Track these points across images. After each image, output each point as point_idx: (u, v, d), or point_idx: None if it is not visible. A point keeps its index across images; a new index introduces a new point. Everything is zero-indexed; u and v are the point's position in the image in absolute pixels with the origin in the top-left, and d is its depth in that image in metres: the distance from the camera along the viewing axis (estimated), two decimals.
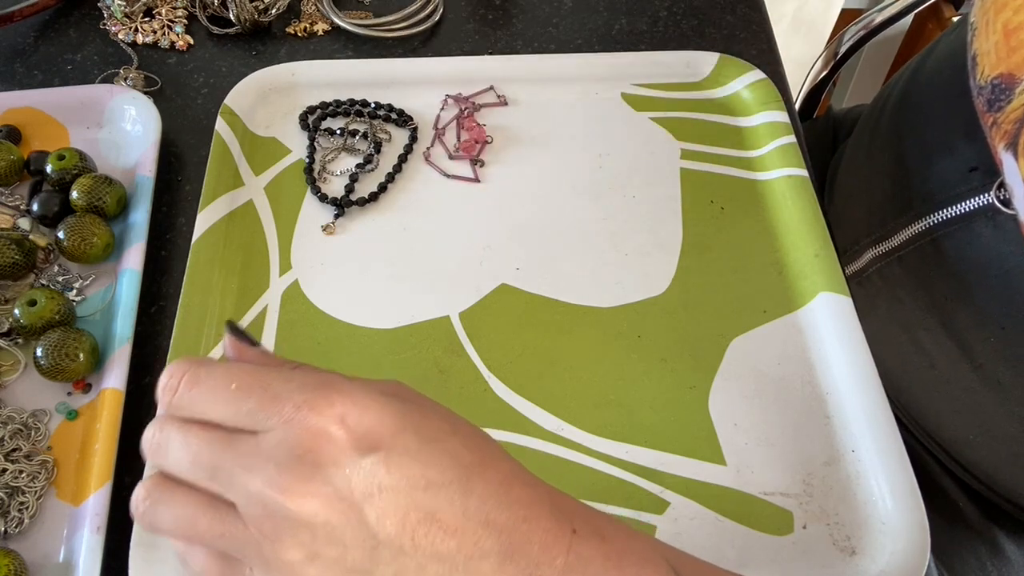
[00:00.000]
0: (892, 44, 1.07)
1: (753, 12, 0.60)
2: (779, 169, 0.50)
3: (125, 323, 0.43)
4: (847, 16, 1.18)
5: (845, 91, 1.19)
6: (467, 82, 0.54)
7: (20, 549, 0.37)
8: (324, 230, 0.48)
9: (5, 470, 0.39)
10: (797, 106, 0.80)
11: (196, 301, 0.44)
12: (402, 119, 0.52)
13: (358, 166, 0.50)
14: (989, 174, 0.40)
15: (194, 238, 0.45)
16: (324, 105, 0.53)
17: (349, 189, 0.49)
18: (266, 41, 0.58)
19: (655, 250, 0.47)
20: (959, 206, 0.42)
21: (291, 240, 0.47)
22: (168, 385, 0.26)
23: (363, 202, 0.49)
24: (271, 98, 0.53)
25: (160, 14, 0.59)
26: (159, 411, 0.27)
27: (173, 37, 0.58)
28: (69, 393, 0.42)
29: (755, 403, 0.42)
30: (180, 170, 0.52)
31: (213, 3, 0.58)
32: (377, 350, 0.43)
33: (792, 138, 0.50)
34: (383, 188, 0.49)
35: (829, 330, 0.43)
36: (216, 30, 0.58)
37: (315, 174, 0.50)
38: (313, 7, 0.59)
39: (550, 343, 0.44)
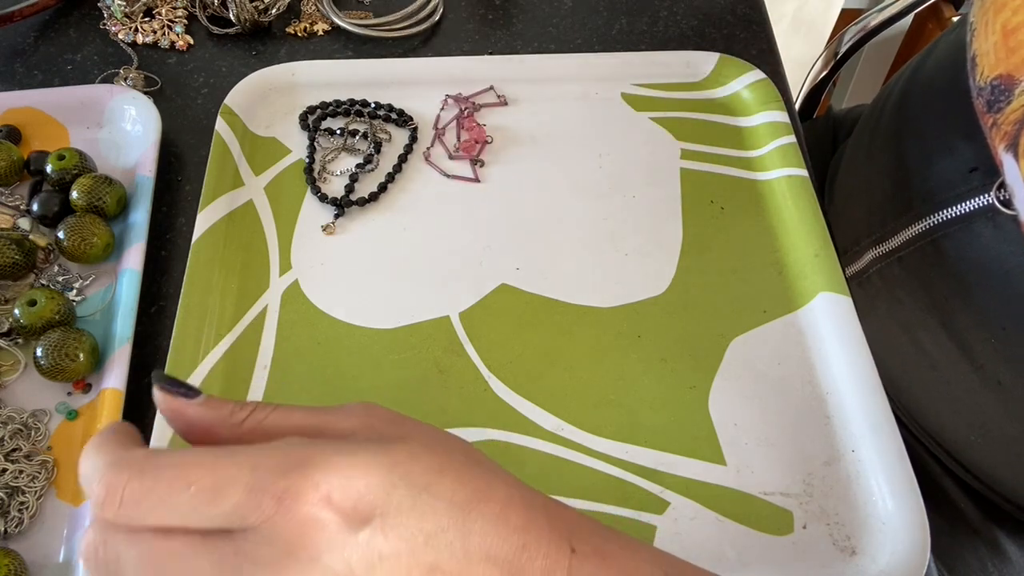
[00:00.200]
0: (892, 44, 1.07)
1: (753, 12, 0.60)
2: (779, 169, 0.50)
3: (125, 323, 0.43)
4: (847, 16, 1.18)
5: (845, 91, 1.19)
6: (467, 82, 0.54)
7: (20, 549, 0.37)
8: (324, 230, 0.48)
9: (5, 470, 0.39)
10: (797, 106, 0.80)
11: (196, 301, 0.44)
12: (402, 119, 0.52)
13: (358, 166, 0.50)
14: (989, 174, 0.40)
15: (194, 238, 0.45)
16: (324, 105, 0.53)
17: (349, 189, 0.49)
18: (266, 41, 0.58)
19: (655, 250, 0.47)
20: (959, 206, 0.42)
21: (291, 240, 0.47)
22: (108, 501, 0.22)
23: (363, 202, 0.49)
24: (271, 98, 0.53)
25: (160, 14, 0.59)
26: (95, 518, 0.23)
27: (173, 37, 0.58)
28: (69, 393, 0.42)
29: (755, 403, 0.42)
30: (180, 170, 0.52)
31: (213, 3, 0.58)
32: (377, 350, 0.43)
33: (792, 138, 0.50)
34: (383, 188, 0.49)
35: (829, 330, 0.43)
36: (216, 30, 0.58)
37: (315, 174, 0.50)
38: (313, 7, 0.59)
39: (550, 343, 0.44)
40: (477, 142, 0.51)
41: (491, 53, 0.57)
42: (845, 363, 0.42)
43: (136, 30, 0.58)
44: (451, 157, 0.51)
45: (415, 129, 0.52)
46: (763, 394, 0.42)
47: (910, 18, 0.84)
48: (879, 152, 0.52)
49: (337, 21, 0.58)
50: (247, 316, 0.44)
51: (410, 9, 0.58)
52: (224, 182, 0.48)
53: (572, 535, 0.25)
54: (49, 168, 0.47)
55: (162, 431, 0.39)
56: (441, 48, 0.58)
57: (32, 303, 0.42)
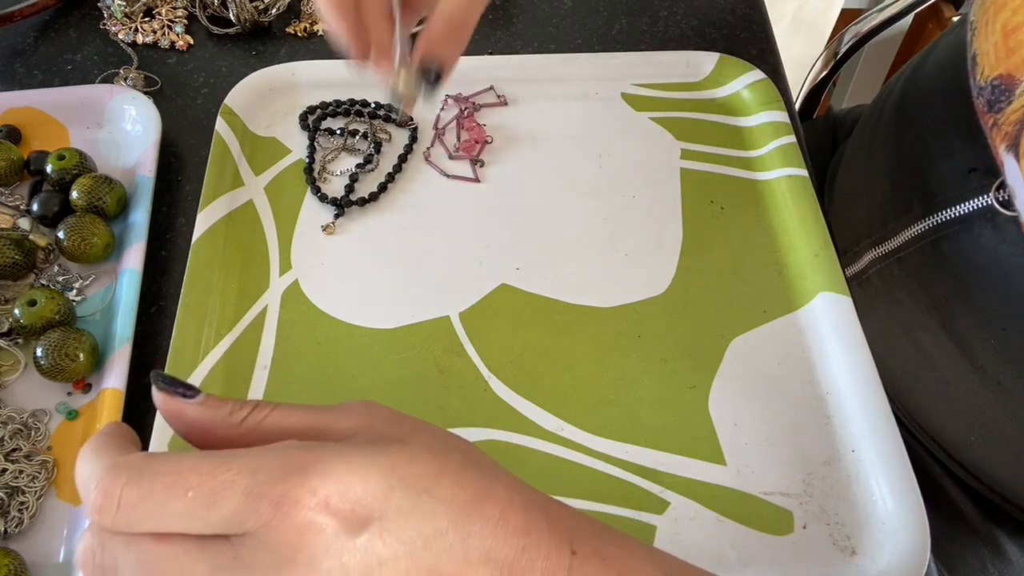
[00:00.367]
0: (892, 44, 1.07)
1: (753, 12, 0.60)
2: (779, 169, 0.50)
3: (125, 323, 0.43)
4: (847, 16, 1.18)
5: (845, 91, 1.19)
6: (467, 82, 0.54)
7: (20, 549, 0.37)
8: (324, 230, 0.48)
9: (5, 470, 0.39)
10: (797, 106, 0.80)
11: (196, 301, 0.44)
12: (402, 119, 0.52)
13: (358, 166, 0.50)
14: (988, 175, 0.40)
15: (194, 238, 0.45)
16: (324, 105, 0.53)
17: (349, 189, 0.49)
18: (266, 41, 0.58)
19: (655, 250, 0.47)
20: (958, 207, 0.42)
21: (291, 240, 0.47)
22: (104, 505, 0.22)
23: (363, 202, 0.49)
24: (271, 98, 0.53)
25: (160, 14, 0.59)
26: (91, 523, 0.23)
27: (173, 37, 0.58)
28: (69, 393, 0.42)
29: (755, 403, 0.42)
30: (180, 170, 0.52)
31: (213, 3, 0.58)
32: (377, 350, 0.43)
33: (792, 138, 0.50)
34: (383, 188, 0.49)
35: (829, 330, 0.43)
36: (216, 30, 0.58)
37: (315, 174, 0.50)
38: (313, 7, 0.59)
39: (550, 343, 0.44)
40: (477, 142, 0.51)
41: (491, 53, 0.57)
42: (845, 363, 0.42)
43: (136, 30, 0.58)
44: (451, 157, 0.51)
45: (415, 129, 0.52)
46: (763, 394, 0.42)
47: (910, 18, 0.84)
48: (879, 152, 0.52)
49: None
50: (247, 316, 0.44)
51: None
52: (224, 182, 0.48)
53: (572, 536, 0.25)
54: (49, 168, 0.47)
55: (162, 432, 0.39)
56: None
57: (32, 303, 0.42)
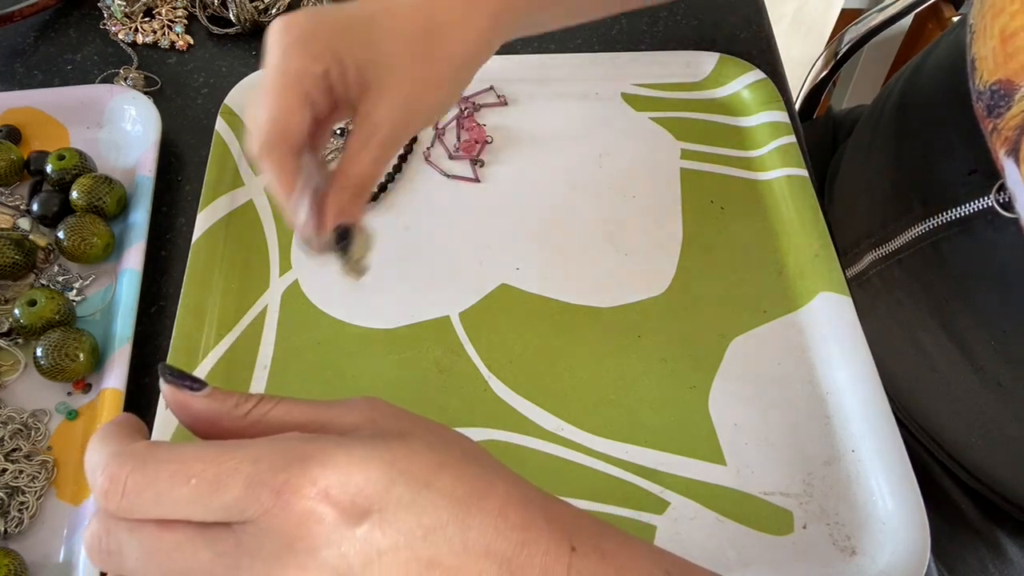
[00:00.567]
0: (892, 44, 1.07)
1: (753, 12, 0.60)
2: (779, 169, 0.50)
3: (125, 323, 0.43)
4: (847, 16, 1.18)
5: (845, 91, 1.19)
6: None
7: (20, 549, 0.37)
8: None
9: (5, 470, 0.39)
10: (797, 106, 0.80)
11: (196, 301, 0.44)
12: None
13: None
14: (989, 177, 0.40)
15: (194, 238, 0.45)
16: None
17: None
18: None
19: (655, 250, 0.47)
20: (959, 209, 0.42)
21: (291, 240, 0.47)
22: (110, 491, 0.22)
23: None
24: None
25: (160, 14, 0.59)
26: (98, 509, 0.23)
27: (173, 37, 0.58)
28: (69, 393, 0.42)
29: (755, 403, 0.42)
30: (180, 170, 0.52)
31: (213, 3, 0.58)
32: (377, 350, 0.43)
33: (792, 138, 0.50)
34: (383, 188, 0.49)
35: (829, 330, 0.43)
36: (216, 30, 0.58)
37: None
38: (313, 7, 0.59)
39: (550, 343, 0.44)
40: (477, 142, 0.51)
41: None
42: (845, 363, 0.42)
43: (136, 30, 0.58)
44: (451, 157, 0.51)
45: None
46: (763, 394, 0.42)
47: (910, 18, 0.84)
48: (879, 153, 0.52)
49: None
50: (247, 316, 0.44)
51: None
52: (224, 182, 0.48)
53: (572, 533, 0.25)
54: (49, 168, 0.47)
55: (162, 430, 0.39)
56: None
57: (32, 303, 0.42)
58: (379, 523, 0.22)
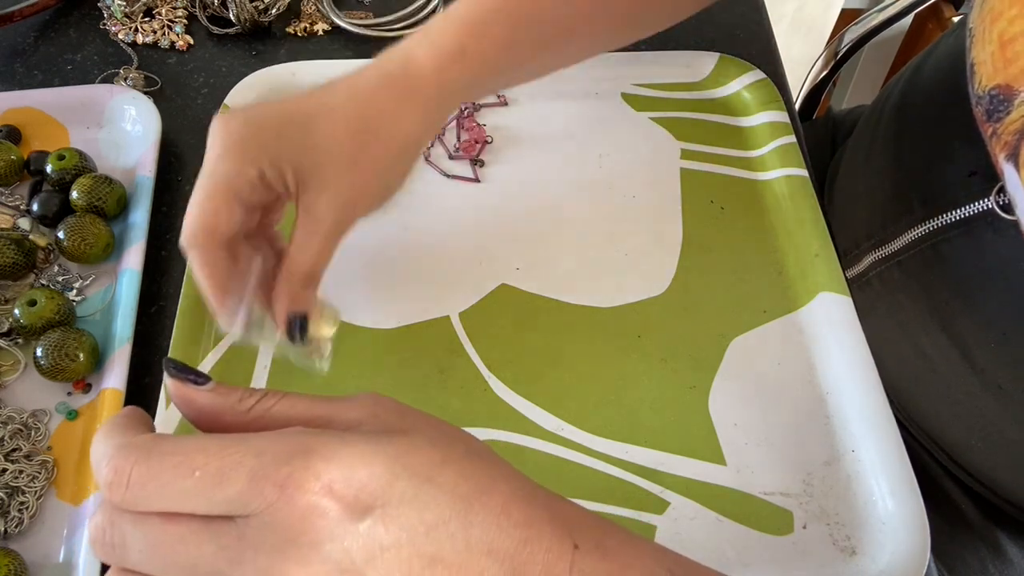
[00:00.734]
0: (892, 44, 1.07)
1: (753, 12, 0.60)
2: (779, 169, 0.50)
3: (125, 323, 0.43)
4: (847, 16, 1.19)
5: (845, 91, 1.19)
6: None
7: (20, 549, 0.37)
8: None
9: (5, 470, 0.39)
10: (797, 106, 0.80)
11: (196, 301, 0.44)
12: None
13: None
14: (989, 179, 0.40)
15: None
16: None
17: None
18: (266, 41, 0.58)
19: (655, 250, 0.47)
20: (959, 211, 0.42)
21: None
22: (115, 482, 0.23)
23: None
24: (271, 98, 0.53)
25: (160, 14, 0.59)
26: (103, 501, 0.24)
27: (173, 37, 0.58)
28: (69, 393, 0.42)
29: (755, 403, 0.42)
30: (180, 170, 0.52)
31: (213, 3, 0.58)
32: (377, 350, 0.43)
33: (792, 138, 0.50)
34: None
35: (829, 330, 0.43)
36: (216, 30, 0.58)
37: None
38: (313, 7, 0.59)
39: (550, 343, 0.44)
40: (477, 142, 0.51)
41: None
42: (845, 363, 0.42)
43: (136, 30, 0.58)
44: (451, 157, 0.51)
45: None
46: (763, 394, 0.42)
47: (910, 18, 0.84)
48: (879, 155, 0.52)
49: (337, 21, 0.58)
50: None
51: (410, 9, 0.58)
52: None
53: (575, 530, 0.25)
54: (49, 168, 0.47)
55: (163, 429, 0.39)
56: None
57: (32, 303, 0.42)
58: (382, 518, 0.22)
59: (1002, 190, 0.39)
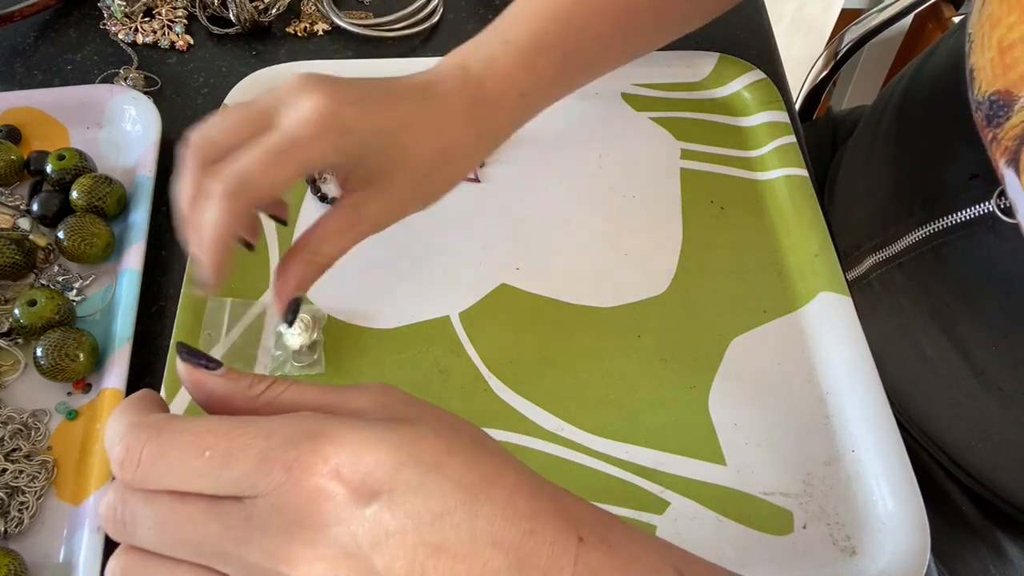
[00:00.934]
0: (892, 44, 1.07)
1: (753, 12, 0.60)
2: (779, 169, 0.50)
3: (125, 323, 0.43)
4: (847, 16, 1.19)
5: (845, 91, 1.19)
6: None
7: (20, 549, 0.37)
8: None
9: (5, 470, 0.39)
10: (797, 106, 0.80)
11: (196, 301, 0.44)
12: None
13: None
14: (990, 182, 0.40)
15: None
16: None
17: None
18: (266, 41, 0.58)
19: (655, 250, 0.47)
20: (960, 214, 0.42)
21: (291, 240, 0.47)
22: (127, 460, 0.23)
23: None
24: None
25: (160, 14, 0.59)
26: (115, 480, 0.24)
27: (173, 37, 0.58)
28: (69, 393, 0.42)
29: (755, 403, 0.42)
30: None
31: (213, 3, 0.58)
32: (377, 350, 0.43)
33: (792, 138, 0.50)
34: None
35: (829, 330, 0.43)
36: (216, 30, 0.58)
37: (315, 174, 0.50)
38: (313, 7, 0.59)
39: (550, 343, 0.44)
40: None
41: None
42: (845, 363, 0.42)
43: (136, 30, 0.58)
44: None
45: None
46: (763, 394, 0.42)
47: (910, 18, 0.84)
48: (879, 156, 0.52)
49: (337, 21, 0.58)
50: (247, 316, 0.44)
51: (410, 9, 0.58)
52: None
53: (580, 524, 0.25)
54: (49, 168, 0.47)
55: None
56: (441, 48, 0.58)
57: (32, 303, 0.42)
58: (388, 504, 0.23)
59: (1003, 193, 0.39)
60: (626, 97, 0.54)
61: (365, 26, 0.57)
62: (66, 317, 0.43)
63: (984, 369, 0.43)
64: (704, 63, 0.54)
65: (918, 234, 0.45)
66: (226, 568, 0.23)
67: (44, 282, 0.45)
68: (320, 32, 0.58)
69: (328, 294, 0.45)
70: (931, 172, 0.45)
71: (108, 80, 0.55)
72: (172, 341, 0.42)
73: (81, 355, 0.41)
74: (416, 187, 0.38)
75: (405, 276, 0.46)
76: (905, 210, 0.47)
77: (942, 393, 0.47)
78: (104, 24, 0.58)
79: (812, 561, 0.38)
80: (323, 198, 0.48)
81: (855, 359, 0.42)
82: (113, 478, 0.25)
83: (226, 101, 0.51)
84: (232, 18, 0.57)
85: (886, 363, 0.45)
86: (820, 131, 0.69)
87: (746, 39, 0.58)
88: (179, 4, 0.59)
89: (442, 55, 0.57)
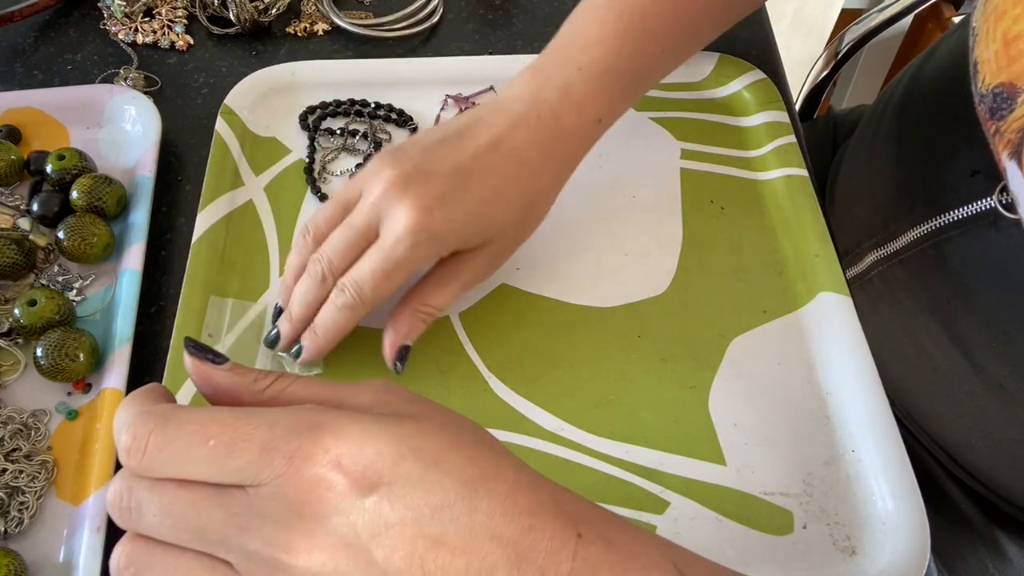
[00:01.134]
0: (892, 44, 1.07)
1: (753, 12, 0.60)
2: (779, 169, 0.50)
3: (125, 323, 0.43)
4: (847, 16, 1.19)
5: (845, 91, 1.19)
6: (467, 82, 0.54)
7: (20, 549, 0.37)
8: None
9: (5, 470, 0.39)
10: (797, 106, 0.80)
11: (196, 301, 0.44)
12: (402, 119, 0.52)
13: (358, 166, 0.50)
14: (991, 178, 0.40)
15: (194, 238, 0.45)
16: (324, 105, 0.53)
17: None
18: (266, 41, 0.58)
19: (655, 250, 0.47)
20: (962, 210, 0.42)
21: (291, 240, 0.47)
22: (133, 448, 0.24)
23: None
24: (271, 98, 0.53)
25: (160, 14, 0.59)
26: (122, 469, 0.25)
27: (173, 37, 0.58)
28: (69, 393, 0.42)
29: (755, 403, 0.42)
30: (180, 170, 0.52)
31: (213, 3, 0.58)
32: (377, 350, 0.43)
33: (792, 138, 0.50)
34: None
35: (829, 330, 0.43)
36: (216, 30, 0.58)
37: (315, 174, 0.50)
38: (313, 7, 0.59)
39: (550, 343, 0.44)
40: None
41: (491, 53, 0.57)
42: (845, 363, 0.42)
43: (136, 30, 0.58)
44: None
45: (415, 129, 0.52)
46: (763, 394, 0.42)
47: (910, 18, 0.84)
48: (881, 154, 0.52)
49: (337, 21, 0.58)
50: (247, 316, 0.44)
51: (410, 9, 0.58)
52: (224, 182, 0.48)
53: (579, 520, 0.25)
54: (49, 168, 0.47)
55: None
56: (441, 48, 0.58)
57: (32, 303, 0.42)
58: (388, 496, 0.23)
59: (1005, 189, 0.39)
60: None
61: (365, 26, 0.57)
62: (66, 317, 0.43)
63: (985, 366, 0.43)
64: (704, 63, 0.54)
65: (919, 230, 0.45)
66: (228, 556, 0.24)
67: (44, 282, 0.45)
68: (320, 32, 0.58)
69: None
70: (933, 170, 0.45)
71: (108, 80, 0.55)
72: (172, 341, 0.42)
73: (81, 355, 0.41)
74: (508, 241, 0.41)
75: None
76: (906, 207, 0.47)
77: (943, 391, 0.47)
78: (104, 24, 0.58)
79: (812, 561, 0.38)
80: (323, 198, 0.48)
81: (855, 359, 0.42)
82: (117, 471, 0.26)
83: (226, 101, 0.51)
84: (232, 18, 0.57)
85: (887, 361, 0.45)
86: (820, 131, 0.69)
87: (746, 39, 0.58)
88: (179, 4, 0.59)
89: (442, 55, 0.57)
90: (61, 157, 0.47)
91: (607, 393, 0.42)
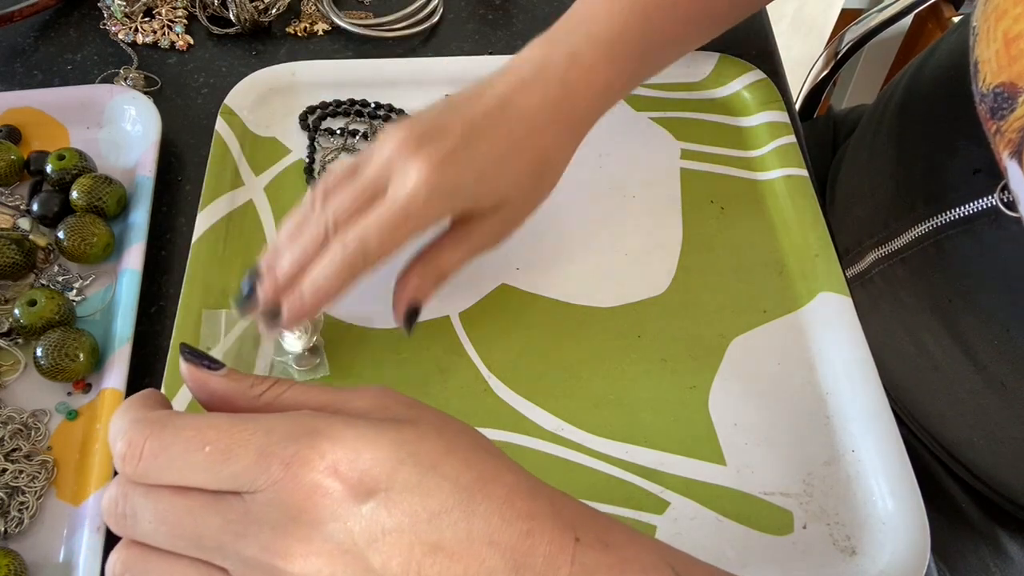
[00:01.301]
0: (892, 44, 1.07)
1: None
2: (779, 169, 0.50)
3: (125, 323, 0.43)
4: (847, 16, 1.19)
5: (845, 91, 1.19)
6: (467, 82, 0.53)
7: (20, 549, 0.37)
8: None
9: (5, 470, 0.39)
10: (797, 106, 0.80)
11: (196, 301, 0.44)
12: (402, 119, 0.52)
13: None
14: (992, 176, 0.40)
15: (194, 238, 0.45)
16: (324, 105, 0.53)
17: None
18: (266, 41, 0.58)
19: (655, 250, 0.47)
20: (963, 208, 0.42)
21: None
22: (129, 454, 0.23)
23: None
24: (271, 98, 0.53)
25: (160, 14, 0.59)
26: (118, 475, 0.24)
27: (173, 37, 0.58)
28: (69, 393, 0.42)
29: (755, 403, 0.42)
30: (180, 170, 0.52)
31: (213, 3, 0.58)
32: (377, 350, 0.43)
33: (792, 138, 0.50)
34: None
35: (829, 330, 0.43)
36: (216, 30, 0.58)
37: (315, 174, 0.50)
38: (313, 7, 0.59)
39: (550, 343, 0.44)
40: None
41: (491, 53, 0.57)
42: (845, 363, 0.42)
43: (136, 30, 0.58)
44: None
45: None
46: (763, 394, 0.42)
47: (910, 18, 0.84)
48: (881, 153, 0.52)
49: (337, 21, 0.58)
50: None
51: (410, 9, 0.58)
52: (224, 182, 0.48)
53: (577, 524, 0.25)
54: (49, 168, 0.47)
55: None
56: (441, 48, 0.58)
57: (32, 303, 0.42)
58: (385, 502, 0.23)
59: (1006, 187, 0.39)
60: (626, 97, 0.54)
61: (365, 26, 0.57)
62: (66, 317, 0.43)
63: (986, 364, 0.43)
64: (704, 63, 0.54)
65: (920, 229, 0.45)
66: (224, 562, 0.23)
67: (44, 282, 0.45)
68: (320, 32, 0.58)
69: None
70: (934, 169, 0.45)
71: (108, 80, 0.55)
72: (172, 342, 0.42)
73: (81, 355, 0.41)
74: (520, 204, 0.40)
75: None
76: (907, 206, 0.47)
77: (944, 389, 0.48)
78: (104, 24, 0.58)
79: (812, 561, 0.38)
80: None
81: (855, 359, 0.42)
82: (115, 475, 0.26)
83: (226, 101, 0.51)
84: (232, 18, 0.57)
85: (887, 359, 0.45)
86: (820, 131, 0.69)
87: (746, 39, 0.58)
88: (179, 4, 0.59)
89: (442, 55, 0.57)
90: (61, 157, 0.47)
91: (607, 393, 0.42)
